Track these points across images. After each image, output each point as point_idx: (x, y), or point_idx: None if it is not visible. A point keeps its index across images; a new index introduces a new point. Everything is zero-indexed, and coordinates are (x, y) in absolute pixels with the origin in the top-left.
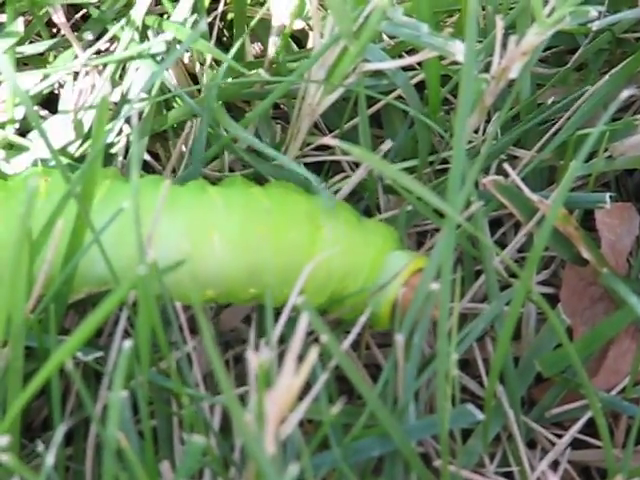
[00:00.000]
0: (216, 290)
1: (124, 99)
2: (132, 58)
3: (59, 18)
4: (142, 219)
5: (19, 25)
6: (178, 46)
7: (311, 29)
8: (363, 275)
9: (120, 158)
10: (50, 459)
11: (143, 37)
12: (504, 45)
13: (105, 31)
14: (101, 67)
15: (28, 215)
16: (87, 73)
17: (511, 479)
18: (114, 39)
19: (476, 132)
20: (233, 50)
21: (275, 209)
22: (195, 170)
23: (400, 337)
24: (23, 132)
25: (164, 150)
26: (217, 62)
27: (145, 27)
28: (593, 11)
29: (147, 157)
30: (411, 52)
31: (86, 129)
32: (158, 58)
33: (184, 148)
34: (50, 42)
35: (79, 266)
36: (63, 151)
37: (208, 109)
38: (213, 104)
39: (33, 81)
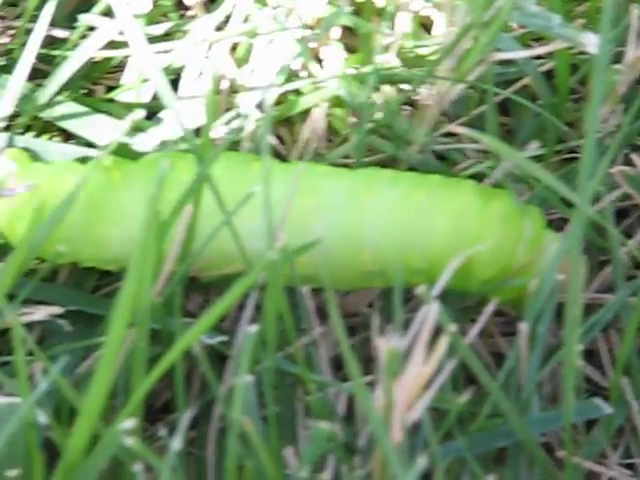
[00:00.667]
0: (376, 260)
1: (244, 84)
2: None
3: None
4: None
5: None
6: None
7: (439, 11)
8: (530, 251)
9: (247, 143)
10: (176, 444)
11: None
12: (639, 34)
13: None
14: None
15: (157, 197)
16: (211, 48)
17: (634, 470)
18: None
19: (603, 122)
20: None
21: (443, 182)
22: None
23: (524, 326)
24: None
25: (290, 134)
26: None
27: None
28: None
29: (273, 141)
30: (540, 40)
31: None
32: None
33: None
34: (174, 23)
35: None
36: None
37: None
38: (370, 92)
39: (159, 61)
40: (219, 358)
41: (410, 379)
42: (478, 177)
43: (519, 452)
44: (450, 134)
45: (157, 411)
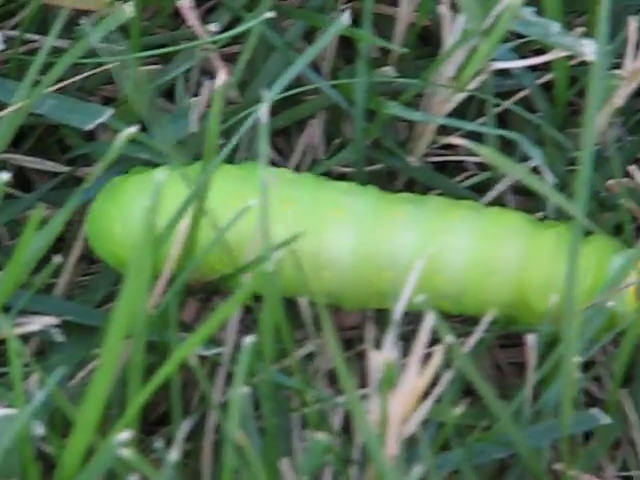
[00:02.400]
0: (397, 279)
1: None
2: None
3: (185, 6)
4: None
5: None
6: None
7: (437, 26)
8: (588, 280)
9: (243, 153)
10: (173, 456)
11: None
12: (638, 46)
13: (235, 21)
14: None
15: (153, 210)
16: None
17: None
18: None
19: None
20: None
21: (488, 210)
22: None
23: (532, 337)
24: None
25: (287, 144)
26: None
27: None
28: None
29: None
30: (537, 52)
31: None
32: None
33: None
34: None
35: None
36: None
37: (361, 106)
38: (364, 101)
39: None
40: (217, 369)
41: (405, 392)
42: (477, 189)
43: (517, 464)
44: (449, 145)
45: (153, 423)
